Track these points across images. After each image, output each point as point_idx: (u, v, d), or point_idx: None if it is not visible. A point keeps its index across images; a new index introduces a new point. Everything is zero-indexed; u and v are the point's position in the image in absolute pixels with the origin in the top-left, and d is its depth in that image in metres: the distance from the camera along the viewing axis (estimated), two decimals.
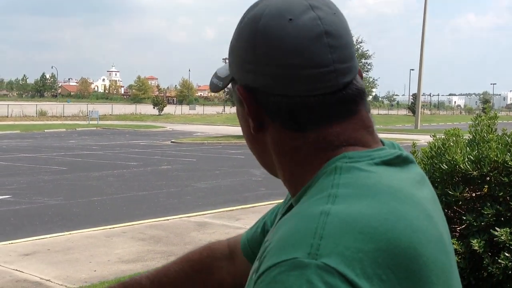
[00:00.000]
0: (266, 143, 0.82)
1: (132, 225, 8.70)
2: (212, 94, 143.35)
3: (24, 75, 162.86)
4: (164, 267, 1.22)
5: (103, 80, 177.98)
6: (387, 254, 0.64)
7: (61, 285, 5.97)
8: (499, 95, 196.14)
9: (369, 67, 51.62)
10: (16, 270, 6.42)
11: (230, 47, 0.85)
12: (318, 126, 0.77)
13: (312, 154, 0.77)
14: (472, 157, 2.90)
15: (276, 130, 0.79)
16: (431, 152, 3.13)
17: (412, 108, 65.01)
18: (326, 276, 0.61)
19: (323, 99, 0.76)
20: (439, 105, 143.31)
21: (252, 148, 0.87)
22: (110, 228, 8.50)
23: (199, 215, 9.49)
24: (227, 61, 0.91)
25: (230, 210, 9.96)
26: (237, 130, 37.79)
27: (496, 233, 2.65)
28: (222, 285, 1.18)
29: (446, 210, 2.83)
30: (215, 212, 9.75)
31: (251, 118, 0.81)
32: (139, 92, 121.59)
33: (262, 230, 1.11)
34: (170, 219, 9.18)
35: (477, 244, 2.64)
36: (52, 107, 58.60)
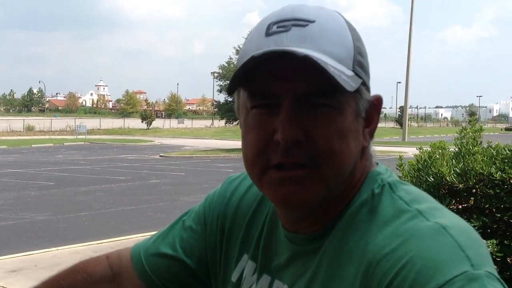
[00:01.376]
0: (360, 160, 0.80)
1: (120, 240, 8.63)
2: (201, 107, 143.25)
3: (12, 90, 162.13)
4: None
5: (91, 94, 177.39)
6: (488, 253, 0.70)
7: None
8: (485, 107, 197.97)
9: None
10: (3, 287, 6.34)
11: (359, 50, 0.76)
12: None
13: (367, 159, 0.82)
14: (458, 170, 2.93)
15: (367, 137, 0.81)
16: (417, 165, 3.16)
17: (400, 120, 65.41)
18: (494, 283, 0.64)
19: None
20: (426, 118, 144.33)
21: (349, 165, 0.76)
22: (97, 244, 8.42)
23: None
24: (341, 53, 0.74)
25: None
26: (225, 143, 37.79)
27: None
28: None
29: None
30: None
31: (374, 131, 0.80)
32: (127, 106, 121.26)
33: (168, 256, 1.00)
34: None
35: None
36: (39, 122, 58.17)
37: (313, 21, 0.74)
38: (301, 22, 0.74)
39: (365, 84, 0.76)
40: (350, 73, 0.73)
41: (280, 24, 0.74)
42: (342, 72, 0.71)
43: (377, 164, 0.84)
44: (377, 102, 0.79)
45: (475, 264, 0.64)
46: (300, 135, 0.73)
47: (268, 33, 0.75)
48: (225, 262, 0.97)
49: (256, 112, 0.76)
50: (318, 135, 0.73)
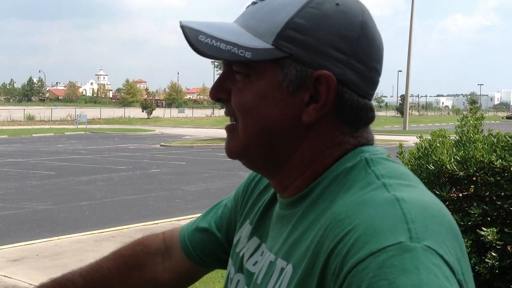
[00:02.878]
0: (305, 135, 0.80)
1: (121, 229, 8.66)
2: (201, 96, 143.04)
3: (12, 79, 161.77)
4: (97, 263, 1.18)
5: (91, 83, 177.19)
6: (452, 235, 0.69)
7: None
8: (487, 95, 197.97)
9: None
10: (5, 276, 6.38)
11: (295, 26, 0.78)
12: (366, 126, 0.84)
13: (352, 148, 0.82)
14: (458, 158, 2.92)
15: (331, 123, 0.80)
16: (418, 153, 3.15)
17: (401, 109, 65.35)
18: (431, 257, 0.63)
19: (372, 104, 0.84)
20: (427, 106, 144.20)
21: (276, 138, 0.81)
22: (99, 233, 8.46)
23: (189, 218, 9.46)
24: (247, 22, 0.81)
25: None
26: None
27: (482, 232, 2.67)
28: (158, 282, 1.14)
29: None
30: None
31: (326, 108, 0.79)
32: (127, 96, 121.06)
33: (204, 230, 1.11)
34: (159, 223, 9.16)
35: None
36: (40, 111, 58.16)
37: (263, 0, 0.82)
38: (256, 1, 0.83)
39: (297, 59, 0.78)
40: (265, 45, 0.78)
41: (252, 2, 0.85)
42: (237, 44, 0.77)
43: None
44: (322, 78, 0.78)
45: (414, 237, 0.64)
46: (219, 94, 0.85)
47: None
48: (236, 228, 1.04)
49: None
50: (233, 96, 0.83)
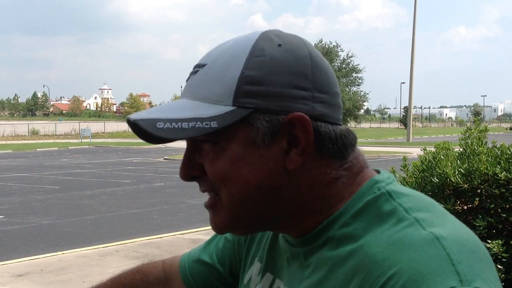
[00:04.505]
0: (297, 182, 0.77)
1: (125, 243, 8.65)
2: None
3: (16, 94, 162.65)
4: None
5: (95, 98, 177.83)
6: (491, 269, 0.69)
7: None
8: (490, 106, 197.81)
9: (360, 81, 52.01)
10: None
11: (249, 80, 0.75)
12: (352, 151, 0.81)
13: (351, 178, 0.80)
14: (462, 170, 2.92)
15: (317, 161, 0.78)
16: (422, 166, 3.15)
17: (404, 121, 65.33)
18: None
19: (345, 127, 0.81)
20: (431, 118, 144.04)
21: (267, 196, 0.77)
22: (103, 247, 8.44)
23: (193, 232, 9.45)
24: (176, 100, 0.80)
25: None
26: None
27: (488, 245, 2.66)
28: None
29: None
30: (209, 229, 9.63)
31: (307, 150, 0.76)
32: (131, 109, 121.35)
33: (206, 263, 1.09)
34: (163, 236, 9.14)
35: None
36: (44, 126, 58.34)
37: (204, 65, 0.78)
38: (196, 69, 0.80)
39: (264, 111, 0.75)
40: (227, 109, 0.74)
41: (190, 73, 0.82)
42: (198, 118, 0.73)
43: (379, 172, 0.83)
44: (296, 121, 0.75)
45: (464, 279, 0.63)
46: (192, 172, 0.80)
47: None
48: (243, 266, 1.01)
49: None
50: (207, 168, 0.78)
